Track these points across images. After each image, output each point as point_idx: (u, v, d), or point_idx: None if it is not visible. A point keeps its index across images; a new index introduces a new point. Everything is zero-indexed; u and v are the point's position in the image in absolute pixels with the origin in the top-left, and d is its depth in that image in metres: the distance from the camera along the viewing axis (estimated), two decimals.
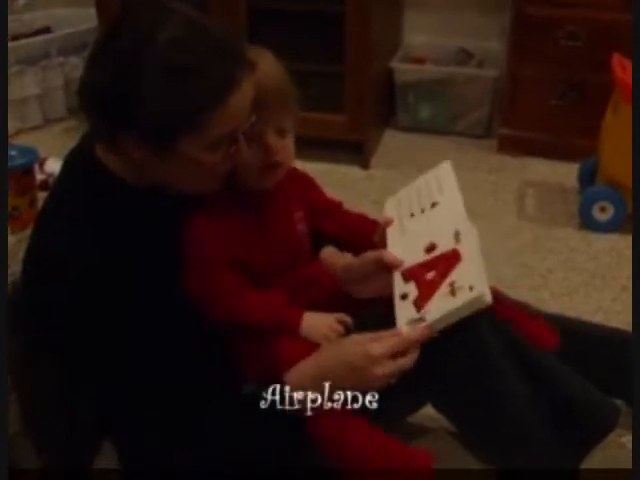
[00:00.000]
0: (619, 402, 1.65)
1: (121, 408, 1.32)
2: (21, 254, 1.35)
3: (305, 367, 1.36)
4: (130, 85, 1.20)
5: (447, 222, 1.43)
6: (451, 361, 1.41)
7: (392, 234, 1.51)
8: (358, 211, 1.62)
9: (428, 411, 1.59)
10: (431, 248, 1.41)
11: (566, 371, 1.56)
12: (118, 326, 1.29)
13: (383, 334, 1.34)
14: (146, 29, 1.21)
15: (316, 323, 1.43)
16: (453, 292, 1.32)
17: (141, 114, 1.21)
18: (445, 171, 1.55)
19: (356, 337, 1.36)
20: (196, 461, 1.34)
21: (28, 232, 1.36)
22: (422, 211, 1.50)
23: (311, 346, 1.40)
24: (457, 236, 1.39)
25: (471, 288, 1.30)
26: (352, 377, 1.33)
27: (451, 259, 1.36)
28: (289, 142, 1.42)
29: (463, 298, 1.30)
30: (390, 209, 1.57)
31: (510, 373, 1.47)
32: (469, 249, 1.37)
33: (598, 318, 2.16)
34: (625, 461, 1.70)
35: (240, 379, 1.45)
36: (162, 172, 1.31)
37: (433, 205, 1.49)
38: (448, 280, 1.34)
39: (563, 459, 1.51)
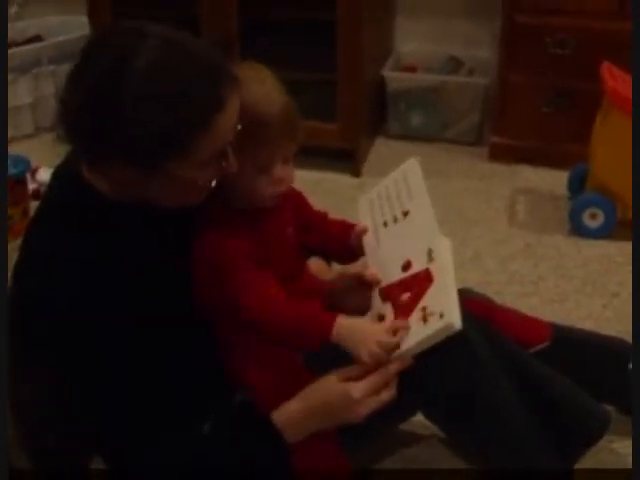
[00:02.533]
0: (610, 408, 1.66)
1: (115, 416, 1.32)
2: (14, 263, 1.35)
3: (291, 411, 1.38)
4: (110, 114, 1.17)
5: (420, 236, 1.43)
6: (441, 369, 1.41)
7: (368, 244, 1.51)
8: (342, 219, 1.62)
9: (420, 418, 1.59)
10: (407, 266, 1.41)
11: (557, 377, 1.57)
12: (112, 335, 1.28)
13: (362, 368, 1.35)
14: (122, 55, 1.18)
15: (358, 331, 1.35)
16: (425, 318, 1.32)
17: (124, 140, 1.18)
18: (412, 171, 1.53)
19: (336, 375, 1.37)
20: (187, 466, 1.35)
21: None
22: (395, 220, 1.49)
23: (285, 381, 1.42)
24: (430, 254, 1.39)
25: (441, 315, 1.30)
26: (336, 418, 1.37)
27: (424, 280, 1.37)
28: (291, 166, 1.42)
29: (433, 327, 1.30)
30: (363, 212, 1.57)
31: (501, 380, 1.48)
32: (441, 268, 1.36)
33: (589, 325, 2.16)
34: (617, 467, 1.71)
35: (231, 388, 1.45)
36: (151, 191, 1.29)
37: (405, 214, 1.48)
38: (421, 304, 1.34)
39: (554, 464, 1.52)
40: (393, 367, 1.34)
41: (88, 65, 1.21)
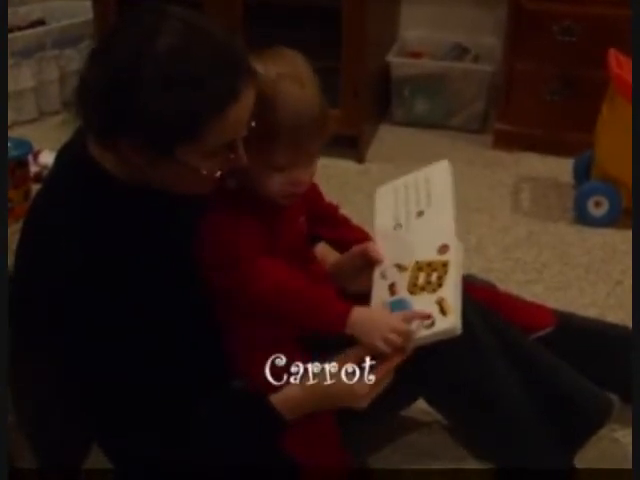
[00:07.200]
0: (613, 397, 1.65)
1: (111, 406, 1.32)
2: (14, 247, 1.35)
3: (292, 395, 1.37)
4: (128, 93, 1.18)
5: (437, 233, 1.44)
6: (443, 356, 1.41)
7: (380, 233, 1.51)
8: (356, 219, 1.61)
9: (422, 405, 1.59)
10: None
11: (560, 365, 1.57)
12: (112, 323, 1.28)
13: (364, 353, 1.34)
14: (144, 37, 1.19)
15: (373, 319, 1.34)
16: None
17: (139, 122, 1.19)
18: (440, 172, 1.52)
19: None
20: (185, 458, 1.35)
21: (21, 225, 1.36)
22: (407, 221, 1.49)
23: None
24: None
25: (447, 314, 1.32)
26: (336, 406, 1.38)
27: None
28: (315, 164, 1.41)
29: (439, 326, 1.32)
30: (380, 207, 1.55)
31: (503, 367, 1.48)
32: (457, 265, 1.38)
33: (592, 313, 2.16)
34: (619, 455, 1.71)
35: (230, 375, 1.45)
36: (157, 175, 1.29)
37: (420, 214, 1.48)
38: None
39: (556, 451, 1.52)
40: (395, 359, 1.33)
41: (110, 46, 1.22)
